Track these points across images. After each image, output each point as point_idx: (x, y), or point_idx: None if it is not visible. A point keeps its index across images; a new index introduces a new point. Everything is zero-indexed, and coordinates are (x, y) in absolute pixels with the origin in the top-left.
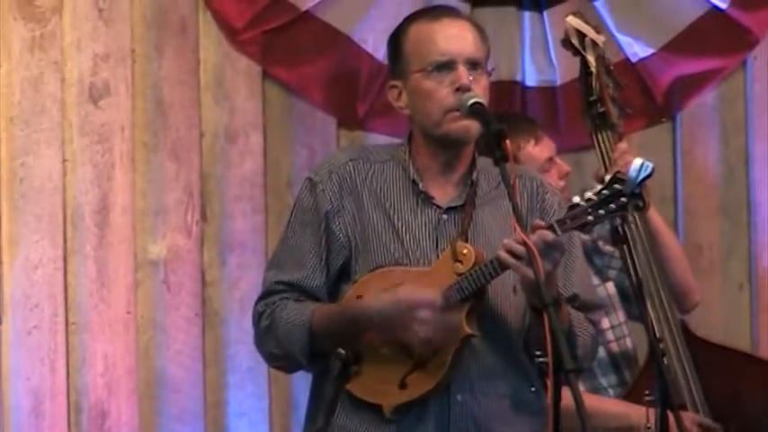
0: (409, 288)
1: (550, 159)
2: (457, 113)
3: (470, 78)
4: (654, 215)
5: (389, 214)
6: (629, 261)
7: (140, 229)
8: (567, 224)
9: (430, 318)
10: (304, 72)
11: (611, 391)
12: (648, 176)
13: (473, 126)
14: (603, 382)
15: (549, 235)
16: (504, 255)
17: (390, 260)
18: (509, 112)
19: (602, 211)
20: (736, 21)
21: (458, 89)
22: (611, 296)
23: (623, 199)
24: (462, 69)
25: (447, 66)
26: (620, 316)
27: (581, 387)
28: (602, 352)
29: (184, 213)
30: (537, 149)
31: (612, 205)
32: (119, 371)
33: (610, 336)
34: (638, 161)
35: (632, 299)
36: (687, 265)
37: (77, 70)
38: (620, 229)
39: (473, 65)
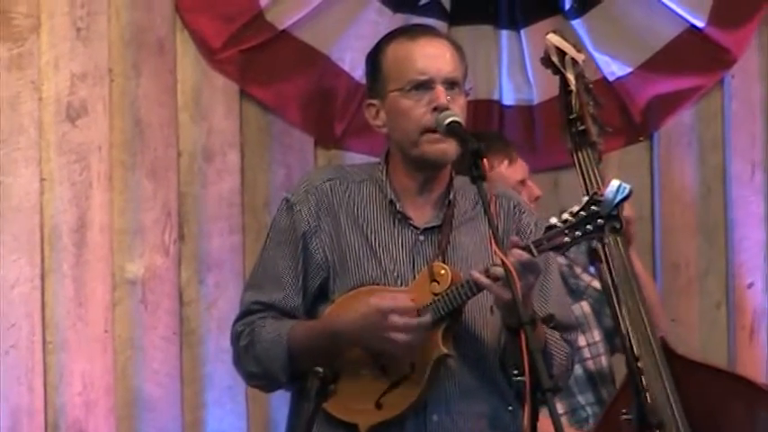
0: (380, 296)
1: (522, 182)
2: (434, 135)
3: (448, 98)
4: (635, 261)
5: (367, 234)
6: (606, 278)
7: (118, 248)
8: (543, 245)
9: (404, 322)
10: (281, 91)
11: (588, 409)
12: (626, 198)
13: (450, 149)
14: (581, 399)
15: (525, 255)
16: (477, 275)
17: (368, 280)
18: (484, 131)
19: (578, 233)
20: (713, 40)
21: (435, 108)
22: (587, 315)
23: (600, 220)
24: (440, 89)
25: (425, 85)
26: (596, 335)
27: (558, 405)
28: (578, 370)
29: (162, 232)
30: (510, 170)
31: (589, 227)
32: (96, 390)
33: (586, 354)
34: (615, 183)
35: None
36: (662, 312)
37: (55, 89)
38: (597, 247)
39: (451, 84)
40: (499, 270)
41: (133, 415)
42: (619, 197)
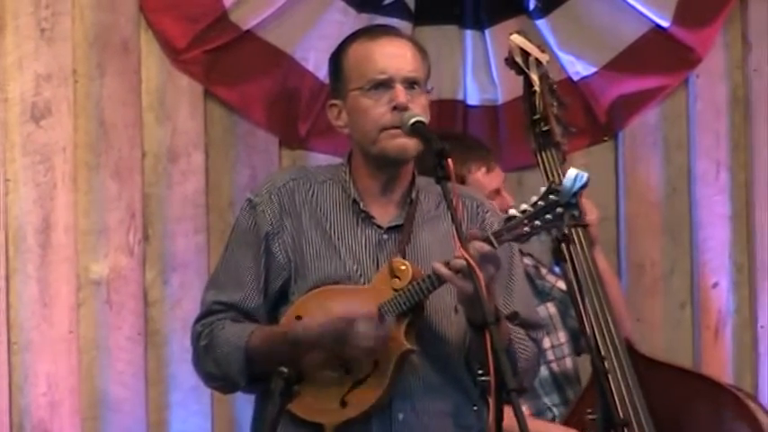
0: (343, 304)
1: (498, 191)
2: (393, 131)
3: (408, 97)
4: (600, 259)
5: (330, 234)
6: (571, 278)
7: (83, 248)
8: (503, 235)
9: (368, 331)
10: (246, 91)
11: (554, 410)
12: (584, 186)
13: (410, 144)
14: (547, 401)
15: (486, 247)
16: (439, 266)
17: (330, 280)
18: (468, 134)
19: (538, 222)
20: (678, 39)
21: (395, 108)
22: (552, 316)
23: (559, 209)
24: (399, 88)
25: (384, 84)
26: (561, 336)
27: (524, 407)
28: (544, 371)
29: (126, 233)
30: (487, 178)
31: (549, 216)
32: (61, 391)
33: (551, 355)
34: (572, 171)
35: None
36: (626, 311)
37: (19, 90)
38: (562, 246)
39: (411, 83)
40: (460, 262)
41: (98, 415)
42: (577, 185)
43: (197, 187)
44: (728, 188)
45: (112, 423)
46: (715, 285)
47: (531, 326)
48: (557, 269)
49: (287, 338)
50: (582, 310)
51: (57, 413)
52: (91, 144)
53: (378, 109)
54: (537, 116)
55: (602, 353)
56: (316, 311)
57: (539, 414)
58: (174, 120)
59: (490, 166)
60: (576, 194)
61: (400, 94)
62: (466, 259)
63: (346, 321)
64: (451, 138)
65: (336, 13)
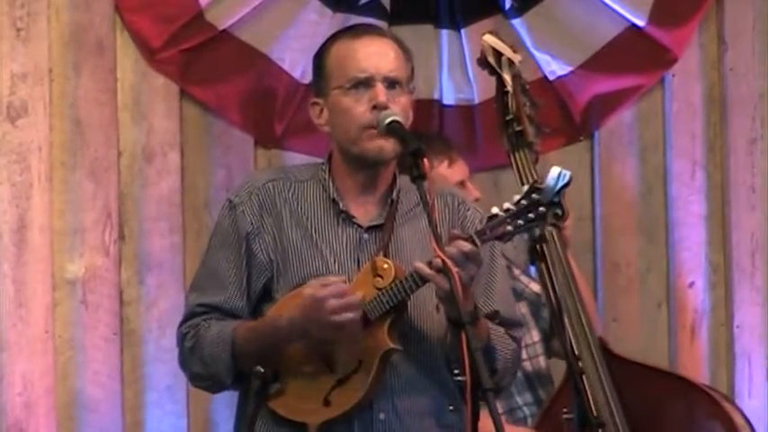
0: (313, 286)
1: (462, 183)
2: (373, 131)
3: (388, 96)
4: (570, 261)
5: (311, 233)
6: (546, 277)
7: (58, 248)
8: (486, 235)
9: (341, 303)
10: (221, 91)
11: (525, 410)
12: (566, 185)
13: (387, 145)
14: (519, 400)
15: (467, 245)
16: (420, 266)
17: (311, 279)
18: (426, 132)
19: (520, 221)
20: (654, 39)
21: (375, 107)
22: (525, 315)
23: (542, 208)
24: (380, 87)
25: (365, 83)
26: (534, 335)
27: (498, 407)
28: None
29: (102, 233)
30: (450, 171)
31: (531, 215)
32: (37, 390)
33: (523, 355)
34: (555, 170)
35: (547, 318)
36: (595, 313)
37: None
38: (537, 246)
39: (392, 83)
40: (438, 260)
41: (73, 416)
42: (560, 184)
43: (172, 187)
44: (704, 188)
45: (88, 423)
46: (691, 285)
47: (511, 324)
48: (532, 269)
49: (267, 330)
50: (558, 310)
51: (32, 413)
52: (66, 144)
53: (358, 108)
54: (510, 116)
55: (577, 352)
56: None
57: (510, 412)
58: (150, 119)
59: (452, 158)
60: (559, 193)
61: (380, 93)
62: (441, 259)
63: (319, 300)
64: None
65: (312, 13)
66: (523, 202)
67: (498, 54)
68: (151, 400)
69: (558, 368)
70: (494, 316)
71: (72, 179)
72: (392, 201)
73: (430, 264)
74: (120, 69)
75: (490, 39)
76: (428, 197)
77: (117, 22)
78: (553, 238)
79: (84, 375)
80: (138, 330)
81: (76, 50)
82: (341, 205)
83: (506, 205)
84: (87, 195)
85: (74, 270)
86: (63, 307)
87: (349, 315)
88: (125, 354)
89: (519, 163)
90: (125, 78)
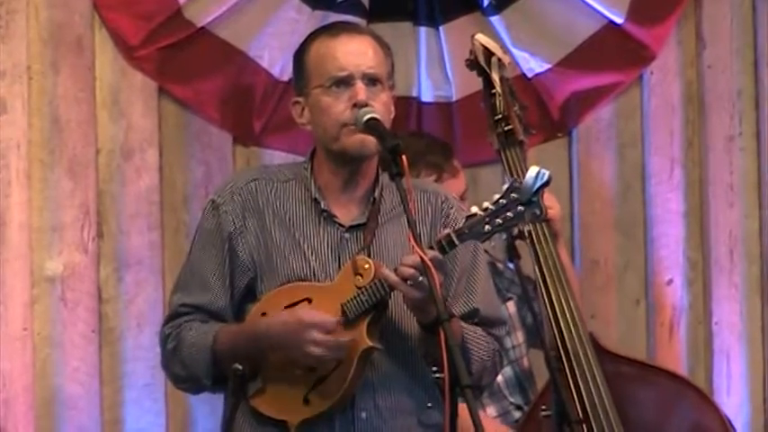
0: (306, 309)
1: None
2: (353, 127)
3: (368, 94)
4: (563, 254)
5: (293, 233)
6: (522, 274)
7: (37, 245)
8: (465, 234)
9: (321, 339)
10: (200, 88)
11: (516, 413)
12: (546, 184)
13: (368, 140)
14: (512, 401)
15: (433, 254)
16: (387, 273)
17: (294, 277)
18: (437, 139)
19: (499, 220)
20: (632, 36)
21: (355, 105)
22: (512, 316)
23: (521, 207)
24: (360, 85)
25: (345, 81)
26: (519, 336)
27: (491, 408)
28: (509, 371)
29: (81, 230)
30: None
31: (510, 213)
32: (16, 388)
33: (511, 356)
34: (534, 169)
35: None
36: (582, 309)
37: None
38: (516, 243)
39: (372, 80)
40: (408, 270)
41: (52, 413)
42: (538, 183)
43: (151, 184)
44: (682, 185)
45: (67, 420)
46: (669, 282)
47: (492, 323)
48: (510, 266)
49: (249, 336)
50: (537, 307)
51: (11, 410)
52: (45, 141)
53: (338, 106)
54: (499, 116)
55: (569, 348)
56: (280, 309)
57: (505, 415)
58: (128, 117)
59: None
60: (538, 192)
61: (360, 91)
62: (422, 258)
63: (304, 325)
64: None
65: (291, 11)
66: (502, 201)
67: (489, 54)
68: (130, 397)
69: (539, 365)
70: (473, 314)
71: (50, 177)
72: (374, 199)
73: (396, 270)
74: (98, 67)
75: (482, 38)
76: (407, 195)
77: (95, 20)
78: (542, 232)
79: (63, 373)
80: (116, 328)
81: (55, 48)
82: (322, 204)
83: (485, 204)
84: (66, 193)
85: (52, 267)
86: (42, 304)
87: (322, 352)
88: (104, 351)
89: (510, 161)
90: (103, 76)
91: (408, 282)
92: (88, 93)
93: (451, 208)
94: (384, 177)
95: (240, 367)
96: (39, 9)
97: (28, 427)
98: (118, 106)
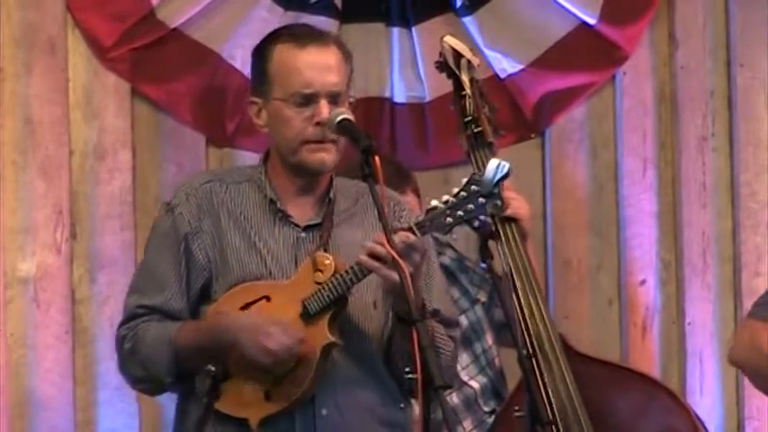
0: (264, 307)
1: None
2: (314, 145)
3: (330, 110)
4: (531, 254)
5: (249, 234)
6: (495, 274)
7: (10, 246)
8: (426, 226)
9: (279, 335)
10: (173, 89)
11: (491, 419)
12: (505, 176)
13: (329, 158)
14: (486, 409)
15: (410, 236)
16: (364, 258)
17: (250, 277)
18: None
19: (460, 213)
20: (605, 36)
21: (317, 123)
22: (481, 319)
23: (481, 199)
24: (323, 103)
25: (309, 98)
26: (489, 339)
27: (466, 422)
28: (483, 379)
29: (54, 231)
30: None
31: (471, 206)
32: None
33: (482, 361)
34: (494, 161)
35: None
36: None
37: None
38: (489, 243)
39: (334, 97)
40: (381, 248)
41: (25, 414)
42: (498, 175)
43: (124, 185)
44: (655, 185)
45: (40, 421)
46: (642, 282)
47: (449, 324)
48: (483, 266)
49: (209, 331)
50: (509, 307)
51: None
52: (18, 142)
53: (300, 122)
54: (468, 118)
55: (538, 349)
56: (238, 307)
57: (479, 425)
58: (101, 118)
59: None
60: (498, 184)
61: (324, 109)
62: (390, 253)
63: (260, 322)
64: None
65: (263, 11)
66: (463, 193)
67: (458, 55)
68: (103, 398)
69: (510, 366)
70: (435, 314)
71: (23, 178)
72: (329, 200)
73: (372, 254)
74: (71, 68)
75: (451, 40)
76: (379, 194)
77: (68, 21)
78: (511, 233)
79: (36, 373)
80: (89, 329)
81: (28, 49)
82: (278, 204)
83: (445, 197)
84: (39, 194)
85: (25, 268)
86: (15, 305)
87: (278, 347)
88: (77, 352)
89: (479, 163)
90: (76, 77)
91: (386, 264)
92: (61, 94)
93: (404, 211)
94: (338, 180)
95: (213, 368)
96: (11, 10)
97: (1, 427)
98: (91, 107)
